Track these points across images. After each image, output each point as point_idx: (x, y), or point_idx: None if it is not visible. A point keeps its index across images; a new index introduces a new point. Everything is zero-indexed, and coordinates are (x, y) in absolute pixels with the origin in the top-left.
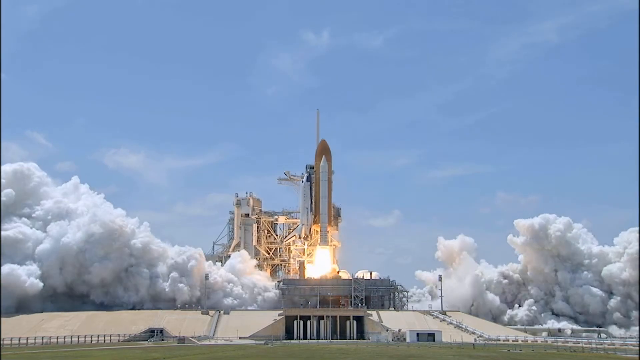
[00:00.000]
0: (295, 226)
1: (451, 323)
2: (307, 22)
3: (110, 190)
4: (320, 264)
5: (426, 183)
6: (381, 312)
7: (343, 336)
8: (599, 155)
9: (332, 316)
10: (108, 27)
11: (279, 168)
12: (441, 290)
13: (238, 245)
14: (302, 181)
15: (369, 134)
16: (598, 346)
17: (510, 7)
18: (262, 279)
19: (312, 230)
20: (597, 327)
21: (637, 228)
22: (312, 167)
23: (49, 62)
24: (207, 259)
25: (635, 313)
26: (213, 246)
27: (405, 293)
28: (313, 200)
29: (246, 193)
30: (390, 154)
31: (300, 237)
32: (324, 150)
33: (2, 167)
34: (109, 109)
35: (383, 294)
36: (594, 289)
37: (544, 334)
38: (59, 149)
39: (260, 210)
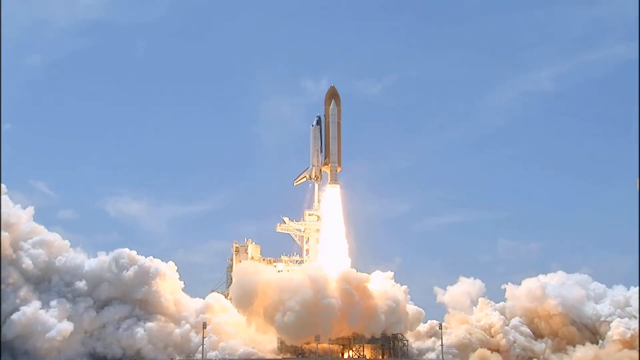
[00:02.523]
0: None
1: None
2: (306, 71)
3: (112, 237)
4: (330, 203)
5: (425, 230)
6: None
7: None
8: (597, 201)
9: None
10: (111, 78)
11: (278, 213)
12: (442, 340)
13: None
14: (313, 125)
15: (368, 181)
16: None
17: (507, 56)
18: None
19: (322, 171)
20: None
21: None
22: (319, 118)
23: (50, 112)
24: None
25: None
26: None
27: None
28: (323, 142)
29: (245, 239)
30: (389, 201)
31: (310, 178)
32: (333, 95)
33: None
34: (112, 157)
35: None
36: None
37: None
38: (60, 197)
39: (260, 257)
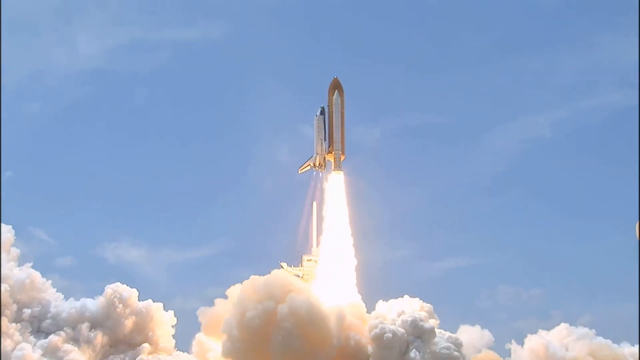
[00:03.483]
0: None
1: None
2: (304, 116)
3: (111, 284)
4: (334, 189)
5: (427, 275)
6: None
7: None
8: (598, 246)
9: None
10: (110, 125)
11: (276, 259)
12: None
13: None
14: (317, 115)
15: (368, 226)
16: None
17: (503, 101)
18: None
19: (325, 159)
20: None
21: None
22: (322, 109)
23: (50, 159)
24: None
25: None
26: None
27: None
28: (327, 131)
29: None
30: (389, 245)
31: (315, 166)
32: (336, 86)
33: None
34: (111, 203)
35: None
36: None
37: None
38: (59, 244)
39: None
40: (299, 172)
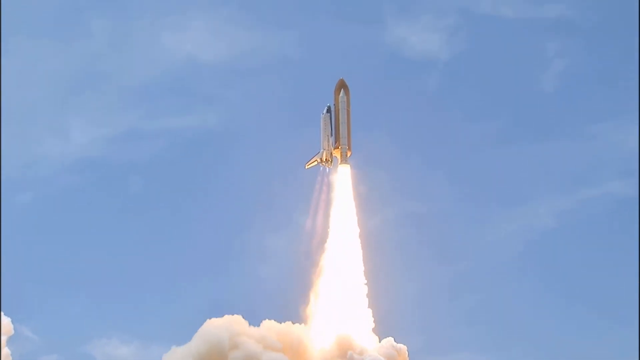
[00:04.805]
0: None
1: None
2: (301, 206)
3: None
4: (341, 183)
5: None
6: None
7: None
8: (601, 338)
9: None
10: (103, 215)
11: None
12: None
13: None
14: (323, 113)
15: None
16: None
17: (507, 191)
18: None
19: (332, 154)
20: None
21: None
22: (329, 107)
23: (40, 252)
24: None
25: None
26: None
27: None
28: (333, 127)
29: None
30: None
31: (322, 161)
32: (342, 86)
33: None
34: (100, 298)
35: None
36: None
37: None
38: (44, 341)
39: None
40: (306, 167)
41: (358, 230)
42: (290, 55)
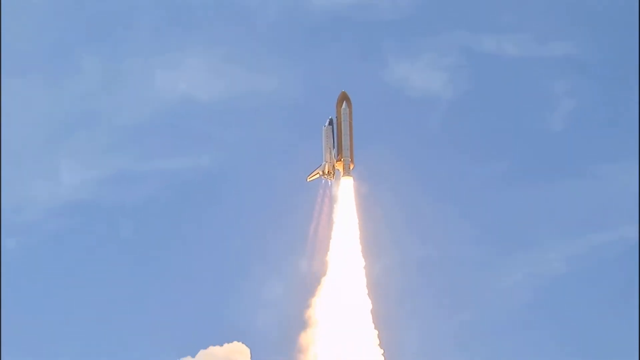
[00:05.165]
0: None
1: None
2: (299, 249)
3: None
4: (344, 195)
5: None
6: None
7: None
8: None
9: None
10: (94, 260)
11: None
12: None
13: None
14: (325, 125)
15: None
16: None
17: (514, 234)
18: None
19: (334, 167)
20: None
21: None
22: (331, 119)
23: (26, 300)
24: None
25: None
26: None
27: None
28: (335, 140)
29: None
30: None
31: (324, 174)
32: (344, 98)
33: None
34: (90, 343)
35: None
36: None
37: None
38: None
39: None
40: (308, 180)
41: (364, 263)
42: (289, 94)
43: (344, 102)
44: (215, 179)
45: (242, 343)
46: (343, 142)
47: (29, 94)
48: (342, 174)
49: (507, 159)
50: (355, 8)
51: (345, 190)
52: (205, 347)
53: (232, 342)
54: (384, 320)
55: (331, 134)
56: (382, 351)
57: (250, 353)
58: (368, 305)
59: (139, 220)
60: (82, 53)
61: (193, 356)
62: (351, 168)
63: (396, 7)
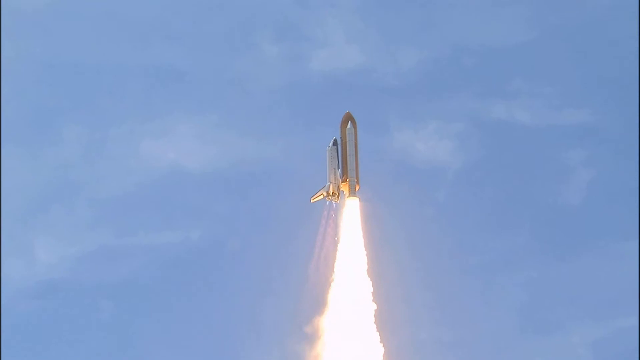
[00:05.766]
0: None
1: None
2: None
3: None
4: (350, 215)
5: None
6: None
7: None
8: None
9: None
10: (72, 342)
11: None
12: None
13: None
14: (329, 146)
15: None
16: None
17: (533, 317)
18: None
19: (339, 188)
20: None
21: None
22: (335, 140)
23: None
24: None
25: None
26: None
27: None
28: (340, 160)
29: None
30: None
31: (328, 195)
32: (349, 118)
33: None
34: None
35: None
36: None
37: None
38: None
39: None
40: (311, 201)
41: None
42: (286, 163)
43: (349, 122)
44: (206, 255)
45: None
46: (348, 163)
47: (3, 164)
48: (347, 195)
49: (522, 234)
50: (356, 73)
51: (351, 211)
52: None
53: None
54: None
55: (336, 154)
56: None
57: None
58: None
59: (121, 301)
60: (62, 121)
61: None
62: (357, 189)
63: (399, 71)
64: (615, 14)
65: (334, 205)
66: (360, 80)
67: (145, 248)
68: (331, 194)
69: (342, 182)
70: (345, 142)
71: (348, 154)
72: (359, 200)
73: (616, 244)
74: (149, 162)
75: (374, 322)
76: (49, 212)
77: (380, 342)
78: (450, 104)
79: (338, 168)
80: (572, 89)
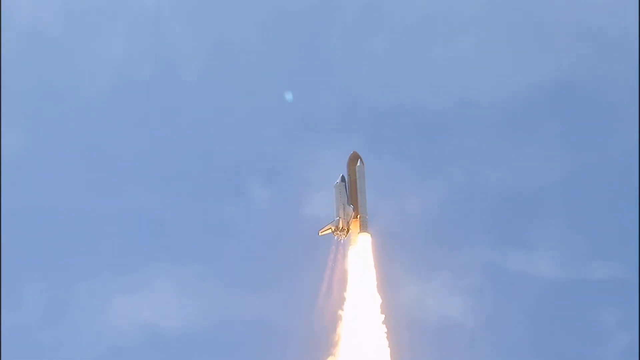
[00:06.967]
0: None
1: None
2: None
3: None
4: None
5: None
6: None
7: None
8: None
9: None
10: None
11: None
12: None
13: None
14: (337, 182)
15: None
16: None
17: None
18: None
19: (349, 224)
20: None
21: None
22: (342, 177)
23: None
24: None
25: None
26: None
27: None
28: (349, 196)
29: None
30: None
31: (336, 230)
32: (356, 157)
33: None
34: None
35: None
36: None
37: None
38: None
39: None
40: (320, 234)
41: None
42: (276, 319)
43: (358, 160)
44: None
45: None
46: (359, 199)
47: None
48: (359, 231)
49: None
50: None
51: (362, 247)
52: None
53: None
54: None
55: (344, 190)
56: None
57: None
58: None
59: None
60: (21, 280)
61: None
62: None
63: (404, 218)
64: None
65: (342, 241)
66: None
67: None
68: (340, 229)
69: (353, 218)
70: (355, 179)
71: (359, 191)
72: (371, 236)
73: None
74: (119, 322)
75: None
76: None
77: None
78: (462, 254)
79: (348, 204)
80: (601, 239)
